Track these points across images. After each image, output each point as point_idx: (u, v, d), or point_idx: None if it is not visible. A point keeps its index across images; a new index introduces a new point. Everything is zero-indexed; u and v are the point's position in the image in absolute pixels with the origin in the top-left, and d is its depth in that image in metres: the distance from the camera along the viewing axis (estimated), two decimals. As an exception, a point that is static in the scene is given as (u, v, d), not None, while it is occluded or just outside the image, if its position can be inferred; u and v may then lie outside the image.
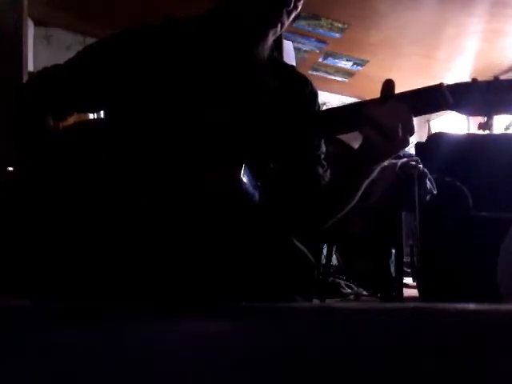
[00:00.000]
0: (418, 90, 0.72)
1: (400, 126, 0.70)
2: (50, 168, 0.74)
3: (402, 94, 0.72)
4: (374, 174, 0.80)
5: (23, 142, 0.85)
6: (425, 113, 0.73)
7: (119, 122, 0.82)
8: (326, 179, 0.91)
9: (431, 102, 0.71)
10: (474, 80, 0.69)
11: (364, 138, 0.75)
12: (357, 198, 0.84)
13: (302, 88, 0.94)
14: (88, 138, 0.76)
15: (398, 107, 0.70)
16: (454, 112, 0.71)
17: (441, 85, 0.69)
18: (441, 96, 0.69)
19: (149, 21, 0.88)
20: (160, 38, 0.85)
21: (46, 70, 0.89)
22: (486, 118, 0.72)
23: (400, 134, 0.71)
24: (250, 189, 0.71)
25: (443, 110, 0.71)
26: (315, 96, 0.96)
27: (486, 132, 0.72)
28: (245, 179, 0.69)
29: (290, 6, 0.79)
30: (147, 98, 0.80)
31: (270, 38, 0.86)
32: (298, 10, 0.84)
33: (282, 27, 0.84)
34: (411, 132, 0.72)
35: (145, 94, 0.80)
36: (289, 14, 0.83)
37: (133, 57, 0.83)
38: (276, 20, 0.81)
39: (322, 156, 0.93)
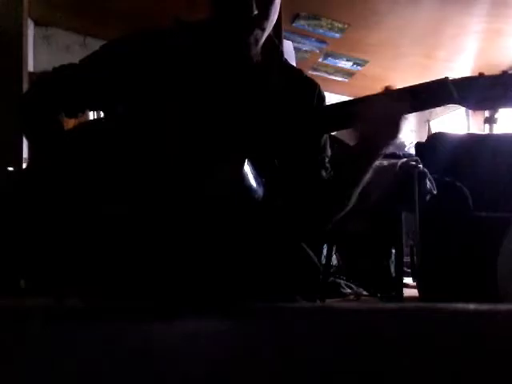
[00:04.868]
0: (422, 84, 0.71)
1: (388, 121, 0.71)
2: (60, 164, 0.75)
3: (397, 91, 0.72)
4: (371, 170, 0.81)
5: (35, 139, 0.86)
6: (427, 107, 0.72)
7: (128, 121, 0.84)
8: None
9: (435, 96, 0.70)
10: (481, 74, 0.69)
11: (358, 135, 0.76)
12: (356, 195, 0.84)
13: (311, 91, 0.95)
14: (93, 138, 0.78)
15: (388, 103, 0.70)
16: (457, 107, 0.71)
17: (446, 79, 0.69)
18: (446, 90, 0.68)
19: (158, 23, 0.90)
20: (170, 40, 0.87)
21: (58, 68, 0.90)
22: (490, 113, 0.72)
23: (389, 130, 0.72)
24: (254, 184, 0.71)
25: (446, 104, 0.70)
26: (323, 100, 0.97)
27: (492, 125, 0.72)
28: (247, 174, 0.69)
29: (252, 12, 0.78)
30: (154, 98, 0.82)
31: (255, 41, 0.85)
32: (277, 9, 0.83)
33: (263, 30, 0.84)
34: (397, 129, 0.72)
35: (152, 94, 0.82)
36: (266, 17, 0.82)
37: (143, 58, 0.85)
38: (247, 25, 0.81)
39: (327, 159, 0.93)
